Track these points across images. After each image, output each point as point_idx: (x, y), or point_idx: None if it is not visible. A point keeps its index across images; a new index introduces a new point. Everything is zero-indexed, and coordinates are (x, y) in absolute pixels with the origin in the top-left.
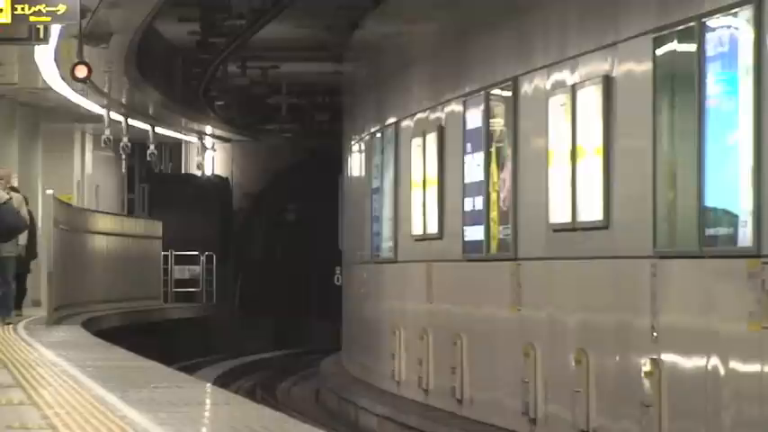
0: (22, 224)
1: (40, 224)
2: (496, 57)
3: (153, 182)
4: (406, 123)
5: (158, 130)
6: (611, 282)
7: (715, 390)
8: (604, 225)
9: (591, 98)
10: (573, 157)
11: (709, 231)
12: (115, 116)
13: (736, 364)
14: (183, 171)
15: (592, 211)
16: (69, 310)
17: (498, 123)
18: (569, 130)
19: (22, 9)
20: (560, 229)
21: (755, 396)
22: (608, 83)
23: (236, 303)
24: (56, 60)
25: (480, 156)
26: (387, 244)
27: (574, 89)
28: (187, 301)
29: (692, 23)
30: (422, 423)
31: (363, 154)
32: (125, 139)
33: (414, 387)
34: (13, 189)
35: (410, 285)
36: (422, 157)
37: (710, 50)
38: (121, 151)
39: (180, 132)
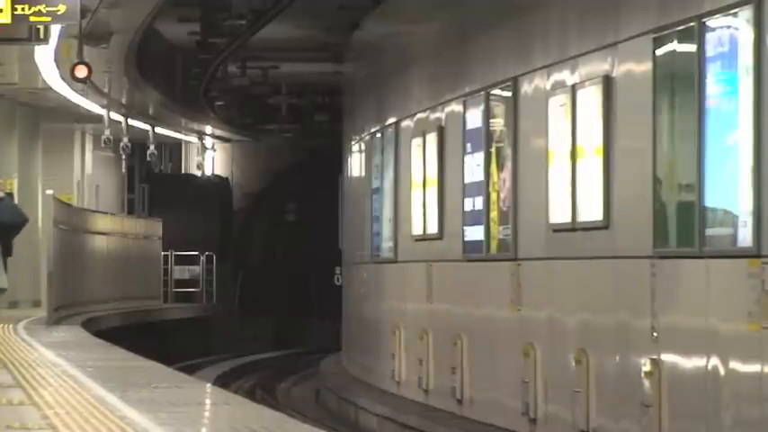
0: (19, 221)
1: (40, 224)
2: (496, 57)
3: (153, 182)
4: (406, 123)
5: (158, 130)
6: (611, 282)
7: (715, 390)
8: (604, 225)
9: (591, 98)
10: (573, 157)
11: (709, 231)
12: (115, 116)
13: (736, 364)
14: (183, 171)
15: (592, 211)
16: (69, 310)
17: (498, 123)
18: (569, 130)
19: (22, 9)
20: (560, 229)
21: (755, 396)
22: (608, 83)
23: (236, 303)
24: (56, 60)
25: (480, 156)
26: (387, 244)
27: (574, 89)
28: (187, 301)
29: (692, 23)
30: (422, 423)
31: (363, 154)
32: (125, 140)
33: (414, 387)
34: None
35: (410, 285)
36: (422, 157)
37: (710, 50)
38: (121, 151)
39: (180, 132)
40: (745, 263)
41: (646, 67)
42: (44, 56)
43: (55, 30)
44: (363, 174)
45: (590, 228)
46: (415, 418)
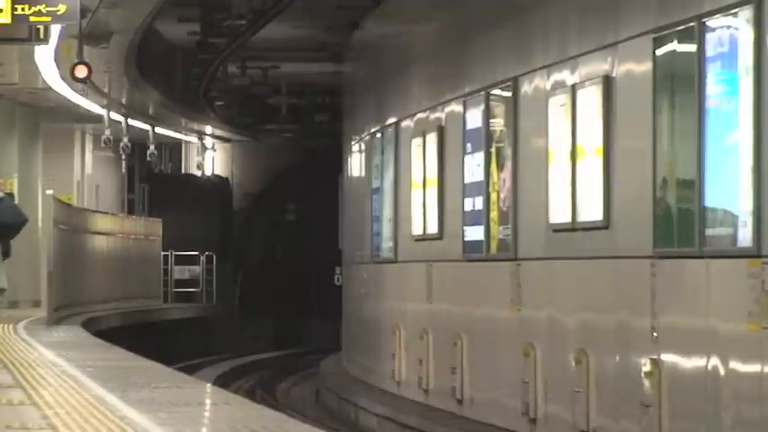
0: (18, 221)
1: (40, 224)
2: (496, 57)
3: (153, 182)
4: (406, 123)
5: (158, 130)
6: (611, 282)
7: (715, 390)
8: (604, 225)
9: (591, 98)
10: (573, 157)
11: (709, 231)
12: (115, 116)
13: (736, 364)
14: (183, 171)
15: (592, 211)
16: (69, 310)
17: (498, 123)
18: (569, 130)
19: (22, 9)
20: (560, 229)
21: (755, 396)
22: (608, 83)
23: (236, 303)
24: (56, 60)
25: (480, 156)
26: (387, 244)
27: (574, 89)
28: (187, 301)
29: (692, 23)
30: (422, 423)
31: (363, 154)
32: (125, 139)
33: (414, 387)
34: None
35: (410, 285)
36: (422, 157)
37: (710, 50)
38: (121, 151)
39: (180, 132)
40: (745, 263)
41: (646, 67)
42: (44, 56)
43: (55, 30)
44: (363, 174)
45: (590, 228)
46: (415, 418)
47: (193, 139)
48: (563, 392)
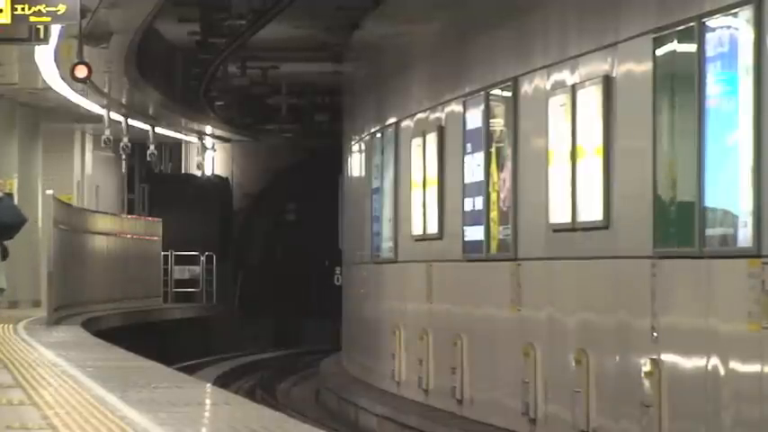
0: (18, 221)
1: (40, 224)
2: (496, 57)
3: (153, 182)
4: (406, 123)
5: (158, 130)
6: (611, 282)
7: (715, 390)
8: (604, 225)
9: (591, 98)
10: (573, 157)
11: (709, 231)
12: (115, 116)
13: (736, 364)
14: (183, 171)
15: (592, 211)
16: (69, 310)
17: (498, 123)
18: (569, 130)
19: (22, 9)
20: (560, 229)
21: (755, 396)
22: (608, 83)
23: (236, 303)
24: (56, 60)
25: (480, 156)
26: (387, 244)
27: (574, 89)
28: (187, 301)
29: (692, 23)
30: (422, 423)
31: (363, 154)
32: (125, 140)
33: (414, 387)
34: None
35: (410, 285)
36: (422, 158)
37: (710, 50)
38: (121, 151)
39: (180, 132)
40: (745, 263)
41: (646, 67)
42: (44, 56)
43: (55, 30)
44: (363, 174)
45: (590, 228)
46: (415, 418)
47: (193, 139)
48: (563, 392)
